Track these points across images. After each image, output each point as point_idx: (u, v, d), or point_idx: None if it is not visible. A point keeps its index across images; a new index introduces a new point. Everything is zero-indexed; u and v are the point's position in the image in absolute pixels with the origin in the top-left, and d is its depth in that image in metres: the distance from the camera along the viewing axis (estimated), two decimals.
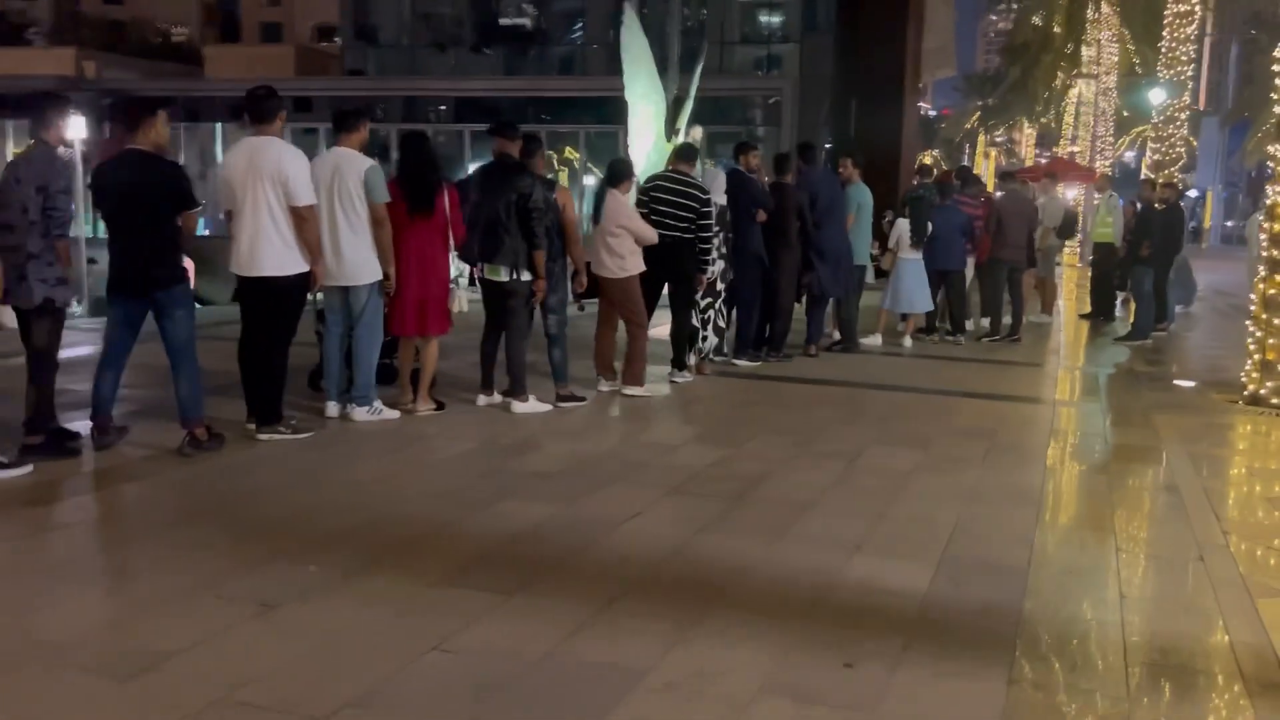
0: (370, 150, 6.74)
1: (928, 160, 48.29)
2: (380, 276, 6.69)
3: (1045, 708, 3.25)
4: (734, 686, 3.28)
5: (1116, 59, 31.45)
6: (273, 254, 6.08)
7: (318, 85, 35.12)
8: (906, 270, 11.10)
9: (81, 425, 5.98)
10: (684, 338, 8.58)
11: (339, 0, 38.43)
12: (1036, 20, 40.46)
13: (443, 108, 33.36)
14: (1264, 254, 8.41)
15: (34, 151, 5.54)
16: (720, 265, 8.78)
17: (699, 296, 8.63)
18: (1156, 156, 23.30)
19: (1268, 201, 8.48)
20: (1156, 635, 3.81)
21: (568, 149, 31.89)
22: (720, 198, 8.72)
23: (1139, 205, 13.44)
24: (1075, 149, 34.45)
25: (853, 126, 32.22)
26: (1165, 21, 22.29)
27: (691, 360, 8.75)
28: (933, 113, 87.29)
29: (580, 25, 35.15)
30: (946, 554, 4.61)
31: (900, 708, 3.20)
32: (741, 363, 9.47)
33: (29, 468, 5.39)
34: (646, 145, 15.03)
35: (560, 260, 7.43)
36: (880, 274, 11.99)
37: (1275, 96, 8.56)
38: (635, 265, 7.85)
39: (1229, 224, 53.65)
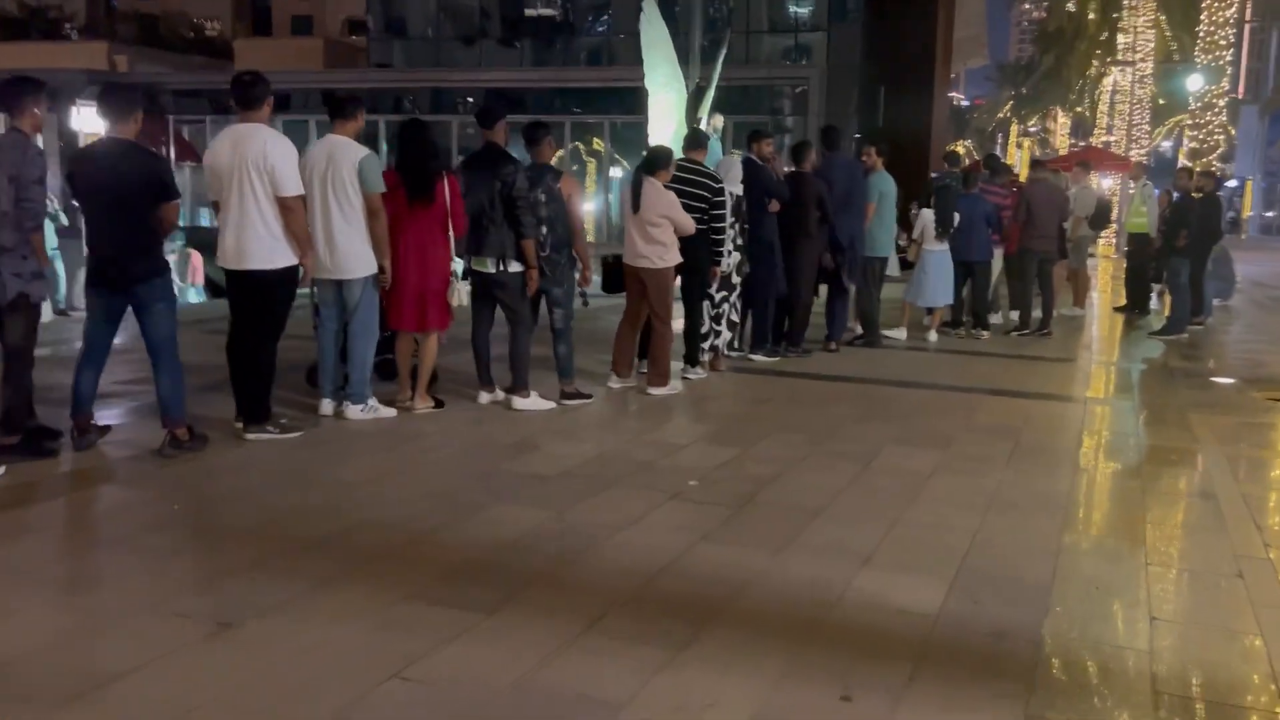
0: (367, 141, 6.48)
1: (959, 150, 47.77)
2: (375, 269, 6.42)
3: None
4: None
5: (1153, 45, 30.73)
6: (259, 246, 5.83)
7: (345, 78, 35.07)
8: (931, 262, 10.73)
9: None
10: (697, 333, 8.27)
11: None
12: (1070, 6, 39.75)
13: (470, 99, 33.17)
14: None
15: (5, 139, 5.30)
16: (735, 257, 8.46)
17: (713, 290, 8.33)
18: (1194, 145, 22.74)
19: None
20: (1190, 662, 3.48)
21: (595, 140, 31.60)
22: (736, 187, 8.40)
23: (1175, 194, 12.99)
24: (1111, 138, 33.77)
25: (881, 116, 31.80)
26: (1203, 5, 21.70)
27: (705, 356, 8.45)
28: (965, 102, 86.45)
29: (607, 15, 34.81)
30: (963, 566, 4.29)
31: None
32: (758, 358, 9.15)
33: (1, 469, 5.16)
34: (667, 135, 14.71)
35: (566, 251, 7.13)
36: (906, 266, 11.62)
37: None
38: (674, 256, 7.59)
39: (1269, 214, 52.66)
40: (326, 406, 6.61)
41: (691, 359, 8.29)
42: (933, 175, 13.15)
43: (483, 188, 6.69)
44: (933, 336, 10.81)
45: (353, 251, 6.35)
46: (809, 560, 4.33)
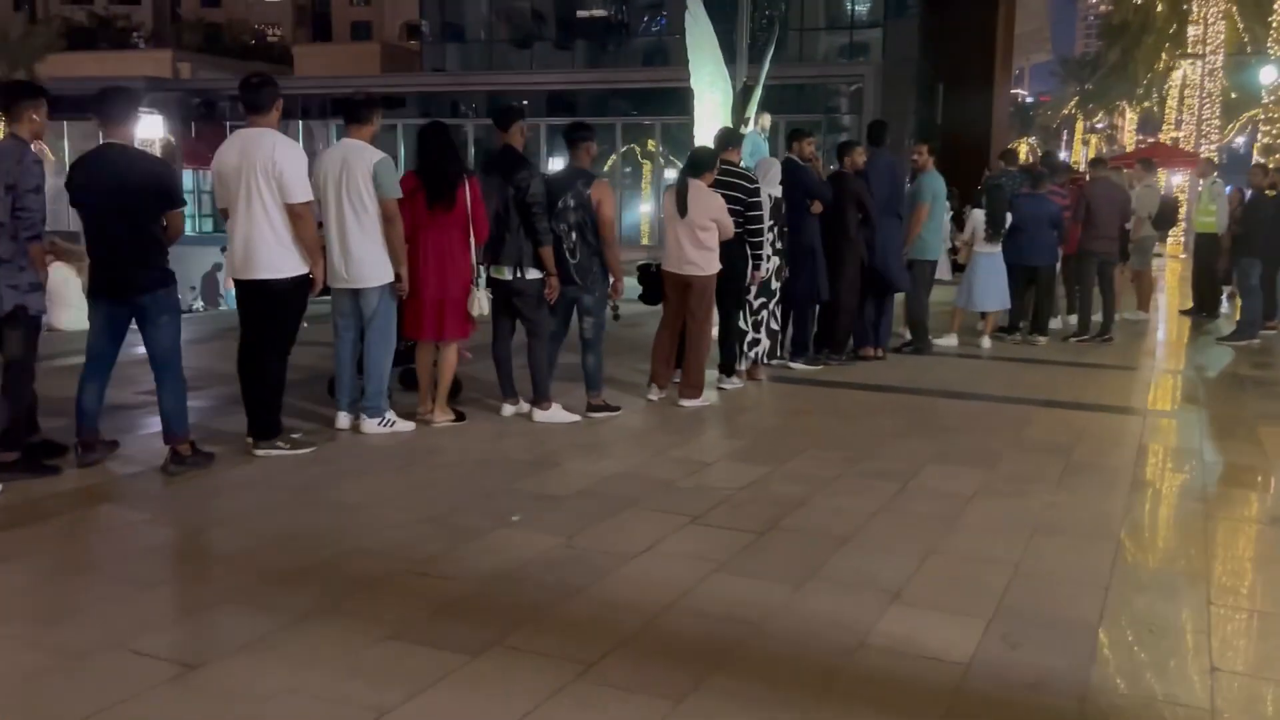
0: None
1: (1021, 148, 46.70)
2: (392, 278, 6.18)
3: None
4: None
5: (1224, 37, 29.69)
6: (268, 255, 5.60)
7: (400, 82, 35.21)
8: (982, 265, 10.28)
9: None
10: (733, 341, 7.94)
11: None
12: None
13: (525, 102, 33.10)
14: None
15: (2, 147, 5.12)
16: (775, 262, 8.11)
17: (751, 296, 7.98)
18: (1267, 140, 21.84)
19: None
20: None
21: (649, 141, 31.35)
22: (774, 189, 8.05)
23: (1248, 192, 12.37)
24: (1179, 134, 32.73)
25: (940, 113, 31.15)
26: None
27: (742, 365, 8.11)
28: (1029, 99, 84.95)
29: (662, 15, 34.52)
30: (1002, 604, 3.92)
31: None
32: (798, 366, 8.78)
33: None
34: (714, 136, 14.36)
35: (599, 258, 6.83)
36: (958, 269, 11.18)
37: None
38: (718, 262, 7.28)
39: None
40: (343, 420, 6.38)
41: (727, 369, 7.95)
42: (986, 174, 12.67)
43: (497, 193, 6.43)
44: (986, 343, 10.35)
45: (368, 259, 6.11)
46: (832, 596, 3.98)
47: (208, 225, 32.97)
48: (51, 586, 4.05)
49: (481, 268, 6.52)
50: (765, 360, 8.45)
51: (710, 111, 14.81)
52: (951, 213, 16.46)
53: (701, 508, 5.01)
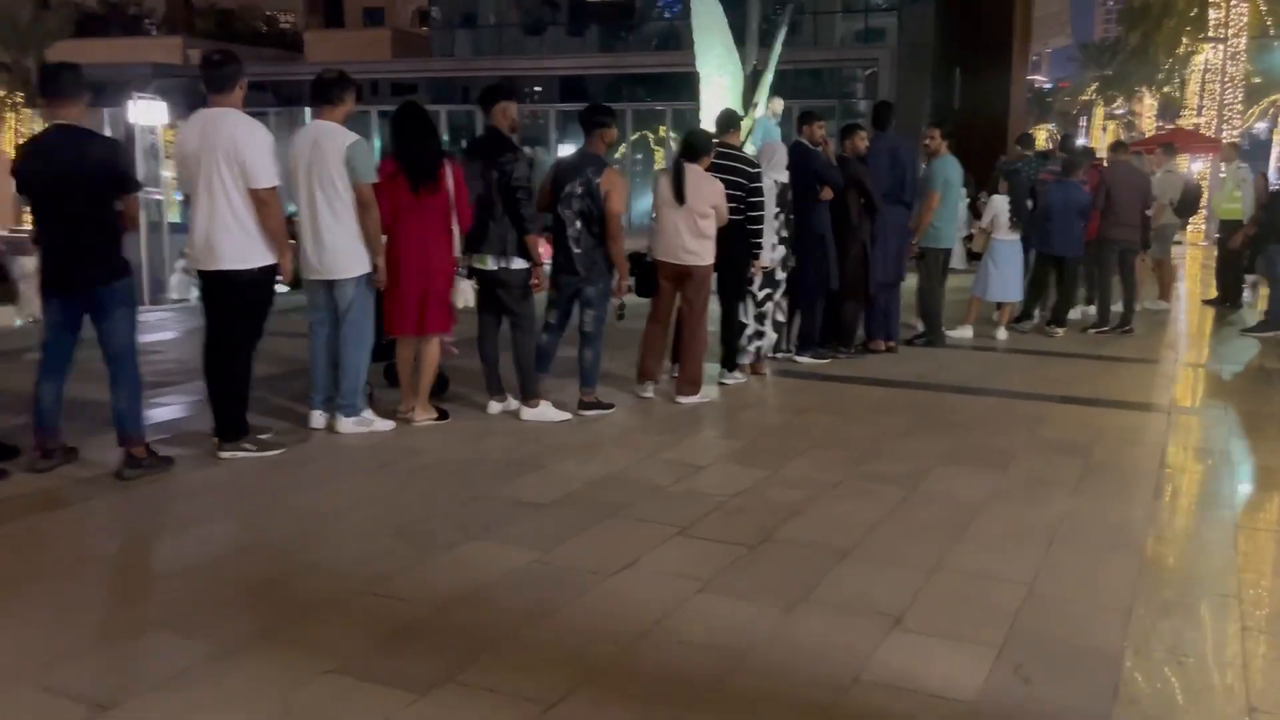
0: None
1: (1040, 134, 46.02)
2: (368, 268, 5.83)
3: None
4: None
5: (1246, 20, 29.04)
6: (232, 244, 5.26)
7: (410, 68, 34.87)
8: (1000, 253, 9.87)
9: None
10: (735, 334, 7.56)
11: None
12: None
13: (539, 89, 32.74)
14: None
15: None
16: (780, 251, 7.73)
17: (755, 287, 7.60)
18: None
19: None
20: None
21: (661, 128, 30.91)
22: (780, 174, 7.66)
23: (1273, 177, 11.90)
24: (1200, 120, 32.09)
25: (956, 99, 30.58)
26: None
27: (745, 359, 7.74)
28: (1048, 85, 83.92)
29: (676, 0, 34.03)
30: (1014, 630, 3.55)
31: None
32: (804, 360, 8.40)
33: None
34: None
35: (602, 249, 6.46)
36: (972, 257, 10.76)
37: None
38: (714, 250, 6.93)
39: None
40: (317, 419, 6.04)
41: (729, 363, 7.58)
42: (1002, 159, 12.22)
43: (480, 178, 6.08)
44: (1001, 334, 9.94)
45: (342, 249, 5.76)
46: (826, 620, 3.62)
47: None
48: None
49: (464, 257, 6.17)
50: (770, 354, 8.08)
51: (718, 96, 14.43)
52: (968, 199, 16.07)
53: (691, 517, 4.65)
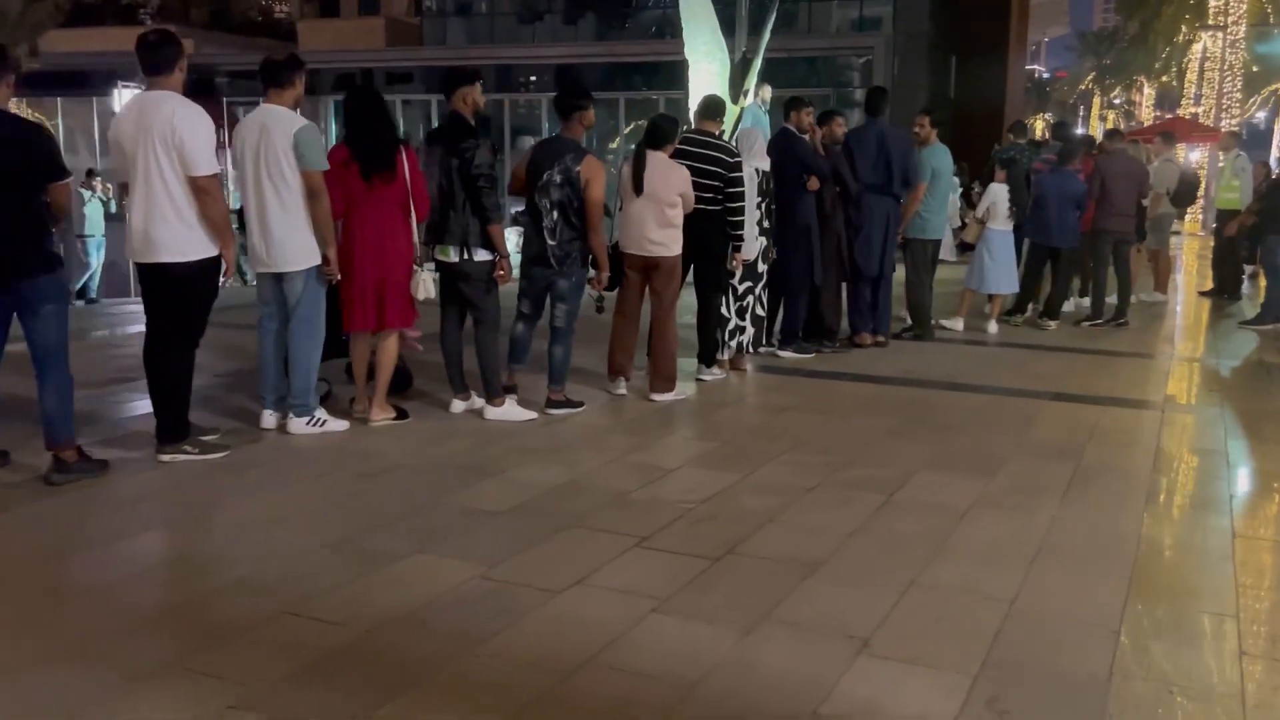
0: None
1: (1038, 124, 45.61)
2: (318, 260, 5.52)
3: None
4: None
5: (1245, 8, 28.69)
6: (170, 236, 4.95)
7: (402, 56, 34.53)
8: (997, 244, 9.58)
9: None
10: (713, 328, 7.26)
11: None
12: None
13: (534, 78, 32.42)
14: None
15: None
16: (762, 242, 7.43)
17: (736, 280, 7.30)
18: None
19: None
20: None
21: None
22: (761, 162, 7.36)
23: (1273, 166, 11.60)
24: (1199, 109, 31.73)
25: (953, 87, 30.27)
26: None
27: (725, 354, 7.44)
28: (1046, 74, 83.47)
29: None
30: (992, 655, 3.26)
31: None
32: (787, 355, 8.11)
33: None
34: None
35: (579, 240, 6.16)
36: (965, 249, 10.46)
37: None
38: (681, 240, 6.63)
39: None
40: (268, 419, 5.75)
41: (707, 358, 7.28)
42: (996, 147, 11.90)
43: (439, 165, 5.77)
44: (992, 327, 9.65)
45: (291, 240, 5.46)
46: (788, 644, 3.32)
47: None
48: None
49: (425, 248, 5.87)
50: (751, 349, 7.79)
51: (705, 83, 14.09)
52: (961, 189, 15.75)
53: (652, 526, 4.36)
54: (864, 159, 8.25)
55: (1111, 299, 10.26)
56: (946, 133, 9.23)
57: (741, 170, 6.91)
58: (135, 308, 10.53)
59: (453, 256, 5.87)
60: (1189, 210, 18.80)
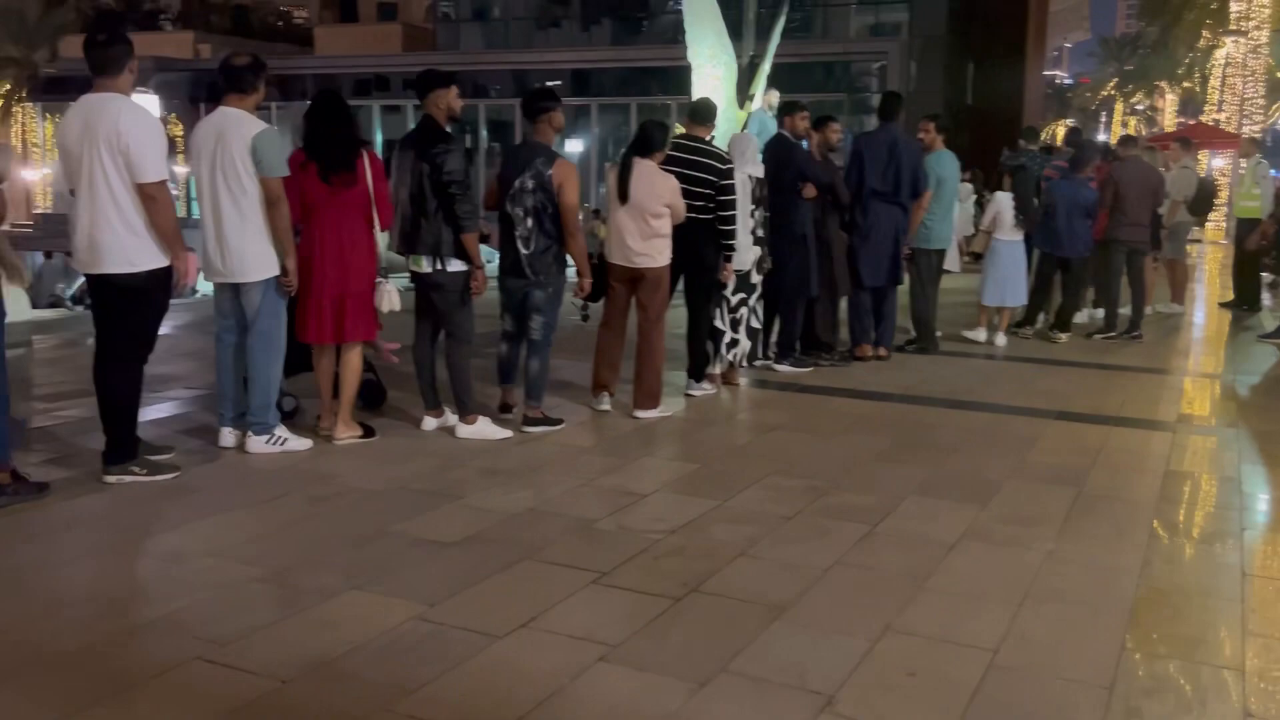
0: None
1: (1060, 130, 45.07)
2: (276, 270, 5.26)
3: None
4: None
5: (1268, 12, 28.16)
6: (116, 245, 4.70)
7: (419, 61, 34.34)
8: (1005, 254, 9.24)
9: None
10: (703, 342, 6.96)
11: None
12: None
13: (547, 83, 32.19)
14: None
15: None
16: (756, 252, 7.13)
17: (729, 291, 7.01)
18: None
19: None
20: None
21: (666, 122, 30.30)
22: (754, 169, 7.06)
23: None
24: (1221, 115, 31.22)
25: (969, 93, 29.87)
26: None
27: (717, 368, 7.15)
28: (1068, 80, 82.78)
29: None
30: (969, 715, 2.95)
31: None
32: (783, 369, 7.80)
33: None
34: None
35: (556, 249, 5.89)
36: (975, 259, 10.13)
37: None
38: (669, 251, 6.35)
39: None
40: (227, 437, 5.48)
41: (697, 373, 6.98)
42: (1005, 152, 11.55)
43: (410, 171, 5.50)
44: (1000, 340, 9.31)
45: (248, 250, 5.19)
46: (742, 700, 3.02)
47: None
48: None
49: (386, 260, 5.60)
50: (745, 363, 7.49)
51: (710, 88, 13.78)
52: (975, 196, 15.40)
53: (613, 560, 4.06)
54: (874, 164, 7.96)
55: (1125, 311, 9.91)
56: (963, 139, 8.92)
57: (733, 177, 6.61)
58: None
59: (425, 267, 5.59)
60: (1212, 218, 18.40)
